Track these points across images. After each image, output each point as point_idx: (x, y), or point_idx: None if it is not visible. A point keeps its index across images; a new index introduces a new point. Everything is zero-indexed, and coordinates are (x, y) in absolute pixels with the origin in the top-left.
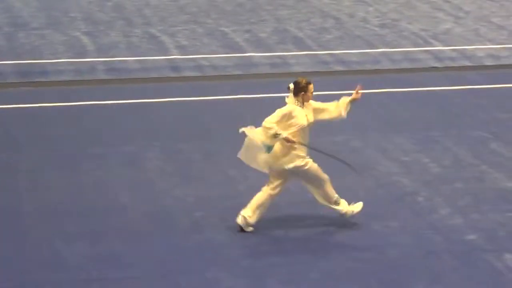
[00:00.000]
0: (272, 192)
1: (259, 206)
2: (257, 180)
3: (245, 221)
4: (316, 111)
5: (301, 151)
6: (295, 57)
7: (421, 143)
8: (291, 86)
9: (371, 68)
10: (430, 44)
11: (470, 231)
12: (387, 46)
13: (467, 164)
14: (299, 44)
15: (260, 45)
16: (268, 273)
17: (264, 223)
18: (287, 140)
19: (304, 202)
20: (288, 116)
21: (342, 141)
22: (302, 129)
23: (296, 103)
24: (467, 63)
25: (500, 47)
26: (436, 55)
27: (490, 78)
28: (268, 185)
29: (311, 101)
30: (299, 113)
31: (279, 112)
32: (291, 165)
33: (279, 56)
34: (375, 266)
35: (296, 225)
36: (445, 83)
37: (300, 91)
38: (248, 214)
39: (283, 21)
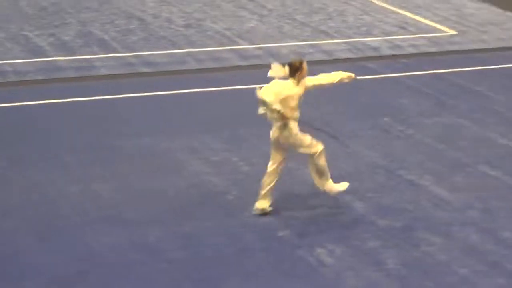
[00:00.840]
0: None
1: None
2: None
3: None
4: (310, 81)
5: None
6: (101, 59)
7: (230, 142)
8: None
9: (177, 69)
10: (235, 43)
11: (281, 228)
12: (192, 46)
13: None
14: (104, 46)
15: (64, 48)
16: None
17: None
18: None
19: None
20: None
21: (151, 142)
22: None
23: (293, 82)
24: (272, 61)
25: (304, 44)
26: (241, 54)
27: None
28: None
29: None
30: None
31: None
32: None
33: (84, 60)
34: (188, 266)
35: None
36: (251, 82)
37: (296, 71)
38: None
39: (87, 23)
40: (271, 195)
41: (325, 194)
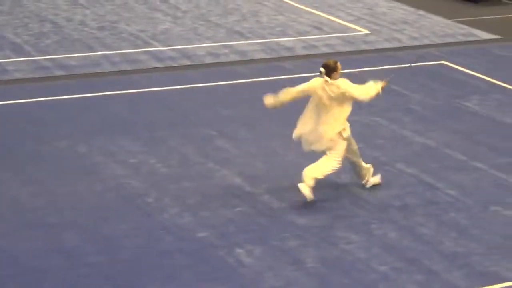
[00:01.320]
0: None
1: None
2: None
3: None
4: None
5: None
6: (14, 63)
7: (147, 144)
8: (322, 69)
9: (91, 71)
10: (150, 45)
11: (200, 229)
12: (106, 48)
13: (194, 162)
14: (17, 50)
15: None
16: None
17: None
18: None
19: None
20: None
21: (67, 146)
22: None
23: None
24: (188, 62)
25: (219, 45)
26: (157, 56)
27: (210, 76)
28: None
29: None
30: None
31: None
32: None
33: None
34: (108, 269)
35: None
36: (167, 83)
37: (332, 71)
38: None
39: (0, 27)
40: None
41: (244, 195)
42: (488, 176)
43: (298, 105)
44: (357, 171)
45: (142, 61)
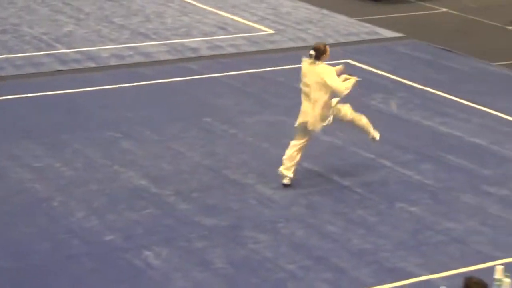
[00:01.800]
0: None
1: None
2: None
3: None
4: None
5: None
6: None
7: (52, 148)
8: (313, 52)
9: None
10: (54, 48)
11: (107, 232)
12: (9, 51)
13: (100, 165)
14: None
15: None
16: None
17: None
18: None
19: None
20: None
21: None
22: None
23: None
24: (92, 65)
25: (123, 47)
26: (60, 58)
27: (115, 78)
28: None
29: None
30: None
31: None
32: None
33: None
34: (15, 274)
35: None
36: (71, 86)
37: (322, 54)
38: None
39: None
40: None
41: (151, 197)
42: (394, 174)
43: (205, 106)
44: (360, 129)
45: (45, 64)
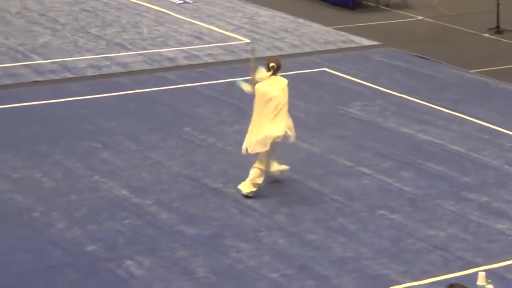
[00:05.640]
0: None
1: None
2: None
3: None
4: None
5: None
6: None
7: (31, 159)
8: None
9: None
10: (30, 58)
11: (89, 242)
12: None
13: (80, 175)
14: None
15: None
16: None
17: None
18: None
19: None
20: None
21: None
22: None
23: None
24: (69, 75)
25: (100, 57)
26: (37, 69)
27: (92, 88)
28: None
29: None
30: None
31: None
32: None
33: None
34: None
35: None
36: (48, 97)
37: (278, 69)
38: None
39: None
40: None
41: (132, 207)
42: (374, 181)
43: (184, 116)
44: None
45: (22, 75)
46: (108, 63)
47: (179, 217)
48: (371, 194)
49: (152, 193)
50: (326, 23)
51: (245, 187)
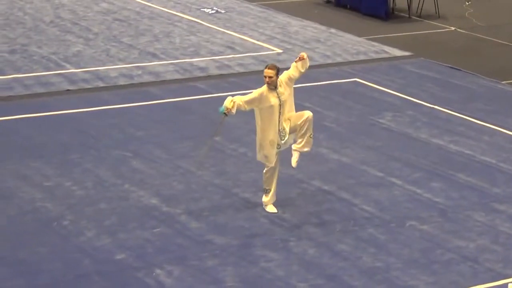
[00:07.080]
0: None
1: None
2: None
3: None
4: (288, 78)
5: None
6: None
7: (61, 167)
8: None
9: (3, 95)
10: (62, 67)
11: (118, 251)
12: (18, 71)
13: (110, 184)
14: None
15: None
16: None
17: None
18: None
19: None
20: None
21: None
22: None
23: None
24: (101, 84)
25: (132, 66)
26: (69, 78)
27: (124, 98)
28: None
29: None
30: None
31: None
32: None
33: None
34: None
35: None
36: (80, 105)
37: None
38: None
39: None
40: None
41: (162, 215)
42: (404, 191)
43: (214, 125)
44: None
45: (54, 84)
46: (139, 72)
47: (208, 226)
48: (401, 204)
49: (182, 202)
50: (358, 34)
51: (271, 208)
